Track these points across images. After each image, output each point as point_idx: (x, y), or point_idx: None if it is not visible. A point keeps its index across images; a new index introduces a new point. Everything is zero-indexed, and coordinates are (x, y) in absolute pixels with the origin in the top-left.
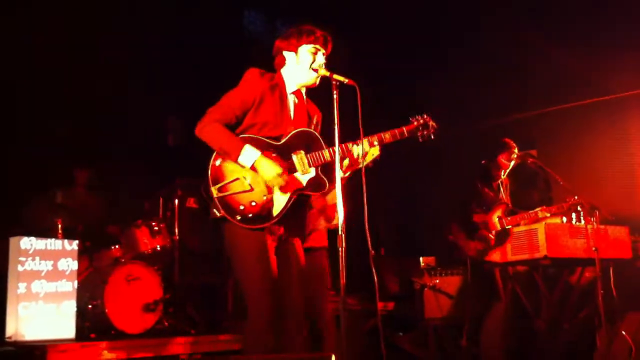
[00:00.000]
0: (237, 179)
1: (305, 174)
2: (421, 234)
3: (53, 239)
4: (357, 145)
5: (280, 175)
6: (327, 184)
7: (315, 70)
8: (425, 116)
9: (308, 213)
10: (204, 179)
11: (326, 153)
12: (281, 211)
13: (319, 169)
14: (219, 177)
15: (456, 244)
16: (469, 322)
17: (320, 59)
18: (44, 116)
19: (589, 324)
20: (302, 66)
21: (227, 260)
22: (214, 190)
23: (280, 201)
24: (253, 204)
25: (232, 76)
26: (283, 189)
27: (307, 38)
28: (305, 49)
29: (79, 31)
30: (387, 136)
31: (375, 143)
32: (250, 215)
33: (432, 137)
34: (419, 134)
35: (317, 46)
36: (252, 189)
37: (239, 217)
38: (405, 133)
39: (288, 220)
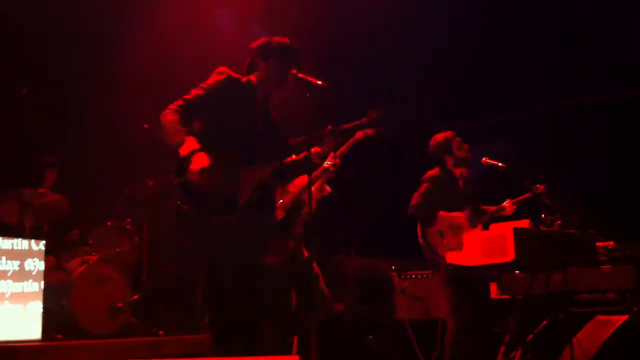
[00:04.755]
0: (200, 169)
1: (267, 167)
2: (393, 235)
3: (20, 239)
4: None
5: (200, 172)
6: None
7: (285, 83)
8: (377, 108)
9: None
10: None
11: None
12: (242, 202)
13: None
14: (182, 167)
15: (428, 245)
16: (439, 323)
17: (291, 70)
18: (11, 113)
19: (556, 327)
20: (272, 76)
21: (197, 261)
22: (176, 181)
23: (243, 194)
24: (214, 195)
25: (205, 74)
26: (246, 179)
27: (281, 51)
28: (278, 61)
29: (52, 29)
30: (348, 129)
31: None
32: (209, 206)
33: (391, 130)
34: (377, 126)
35: (289, 59)
36: (214, 181)
37: (197, 208)
38: (366, 123)
39: (253, 214)
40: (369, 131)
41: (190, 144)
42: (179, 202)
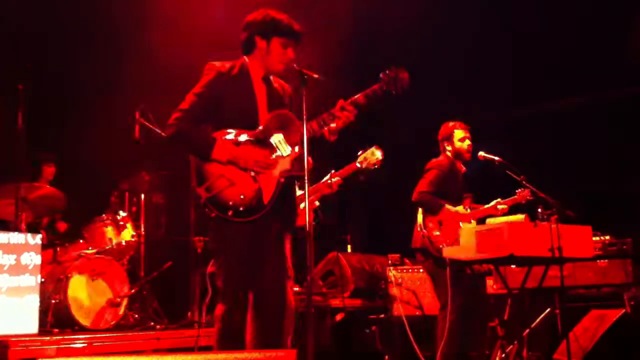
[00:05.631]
0: (221, 175)
1: (288, 155)
2: (389, 231)
3: (16, 233)
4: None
5: (260, 160)
6: (312, 161)
7: (285, 64)
8: (394, 69)
9: None
10: (191, 183)
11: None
12: (272, 197)
13: (301, 147)
14: (203, 177)
15: (425, 234)
16: (434, 317)
17: (291, 54)
18: (8, 108)
19: (553, 321)
20: (271, 57)
21: (195, 255)
22: (201, 192)
23: (269, 188)
24: (242, 197)
25: (199, 69)
26: (268, 174)
27: (282, 31)
28: (279, 42)
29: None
30: (360, 98)
31: (351, 108)
32: (241, 208)
33: (405, 88)
34: (391, 87)
35: (290, 41)
36: (237, 183)
37: (231, 213)
38: (379, 90)
39: (280, 209)
40: (367, 163)
41: (223, 146)
42: (209, 212)
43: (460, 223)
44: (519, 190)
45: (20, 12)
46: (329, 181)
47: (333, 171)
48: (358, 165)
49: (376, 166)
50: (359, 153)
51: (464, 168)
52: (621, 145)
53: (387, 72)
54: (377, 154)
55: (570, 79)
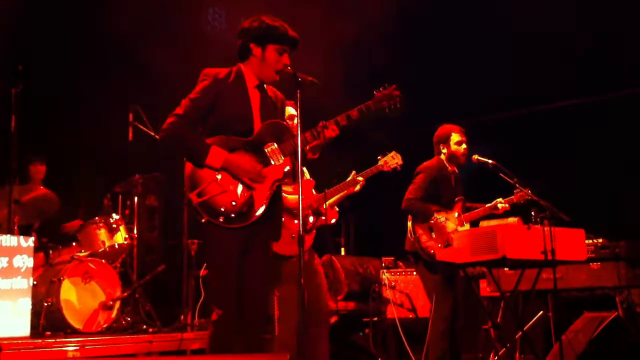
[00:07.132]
0: (214, 181)
1: (280, 165)
2: (382, 234)
3: (8, 235)
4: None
5: (250, 170)
6: (305, 171)
7: (279, 70)
8: (387, 87)
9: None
10: (183, 187)
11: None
12: (263, 205)
13: (293, 157)
14: (195, 182)
15: (416, 240)
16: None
17: (287, 60)
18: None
19: (545, 325)
20: (266, 63)
21: (188, 259)
22: (192, 197)
23: (260, 196)
24: (233, 203)
25: (193, 74)
26: (261, 183)
27: (277, 38)
28: (274, 49)
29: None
30: (354, 113)
31: (345, 122)
32: (232, 215)
33: (399, 106)
34: (384, 104)
35: (285, 47)
36: (229, 189)
37: (222, 219)
38: (372, 107)
39: (270, 217)
40: (388, 166)
41: (217, 153)
42: (200, 217)
43: (453, 226)
44: (517, 189)
45: (11, 14)
46: (355, 180)
47: (354, 172)
48: (381, 167)
49: (397, 169)
50: (378, 157)
51: (457, 171)
52: (618, 147)
53: (382, 89)
54: (397, 157)
55: (568, 79)
